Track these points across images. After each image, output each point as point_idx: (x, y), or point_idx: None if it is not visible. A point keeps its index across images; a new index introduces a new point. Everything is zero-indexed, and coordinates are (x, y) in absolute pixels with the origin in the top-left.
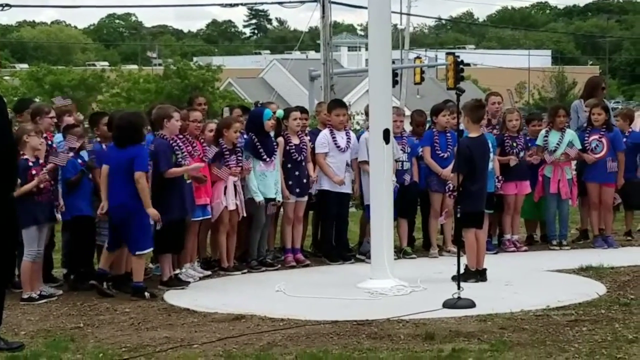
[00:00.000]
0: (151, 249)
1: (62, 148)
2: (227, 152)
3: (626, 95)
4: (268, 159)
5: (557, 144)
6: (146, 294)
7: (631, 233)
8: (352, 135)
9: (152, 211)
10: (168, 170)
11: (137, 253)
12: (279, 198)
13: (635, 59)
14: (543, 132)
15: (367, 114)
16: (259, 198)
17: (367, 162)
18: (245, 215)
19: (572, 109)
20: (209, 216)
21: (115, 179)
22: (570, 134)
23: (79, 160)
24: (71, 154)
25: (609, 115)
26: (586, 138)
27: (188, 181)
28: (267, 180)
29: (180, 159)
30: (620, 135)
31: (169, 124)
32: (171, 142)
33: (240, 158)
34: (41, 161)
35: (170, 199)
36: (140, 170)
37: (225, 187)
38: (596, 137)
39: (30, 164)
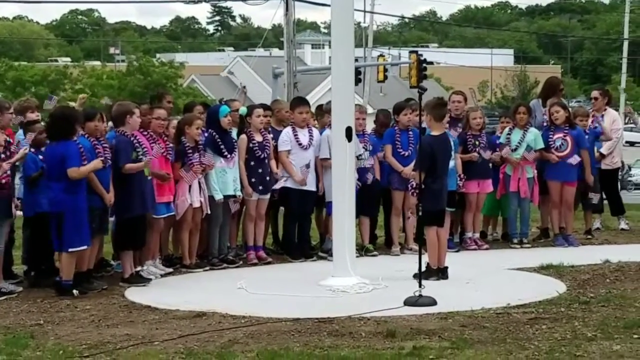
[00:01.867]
0: (84, 247)
1: (24, 144)
2: (190, 150)
3: (587, 95)
4: (229, 156)
5: (519, 142)
6: (74, 292)
7: (591, 232)
8: (315, 132)
9: (107, 196)
10: (125, 166)
11: (70, 250)
12: (239, 194)
13: (597, 59)
14: (507, 129)
15: (329, 111)
16: (219, 196)
17: (328, 159)
18: (209, 212)
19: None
20: (173, 213)
21: (49, 175)
22: (533, 133)
23: (40, 157)
24: (29, 148)
25: (569, 113)
26: (550, 136)
27: (149, 178)
28: (227, 177)
29: (141, 156)
30: (583, 133)
31: (131, 120)
32: (132, 138)
33: (202, 155)
34: (2, 156)
35: (131, 195)
36: (71, 167)
37: (190, 185)
38: (560, 135)
39: None
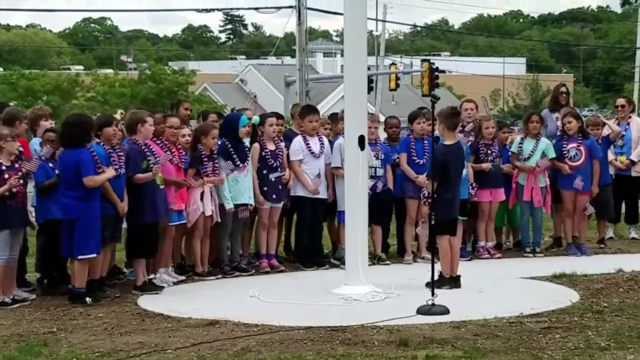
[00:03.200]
0: (94, 255)
1: (38, 154)
2: (206, 159)
3: (600, 104)
4: (241, 165)
5: (532, 151)
6: (87, 299)
7: (604, 241)
8: (325, 140)
9: (121, 204)
10: (134, 176)
11: (80, 258)
12: (252, 202)
13: (609, 68)
14: (518, 138)
15: (342, 119)
16: (229, 205)
17: (339, 168)
18: (220, 220)
19: None
20: (185, 221)
21: (63, 182)
22: (545, 143)
23: (50, 165)
24: (42, 158)
25: (582, 123)
26: (564, 146)
27: (162, 187)
28: (240, 186)
29: (152, 164)
30: (596, 143)
31: (143, 129)
32: (143, 147)
33: (217, 164)
34: (16, 165)
35: (142, 203)
36: (86, 176)
37: (202, 193)
38: (574, 145)
39: (4, 167)
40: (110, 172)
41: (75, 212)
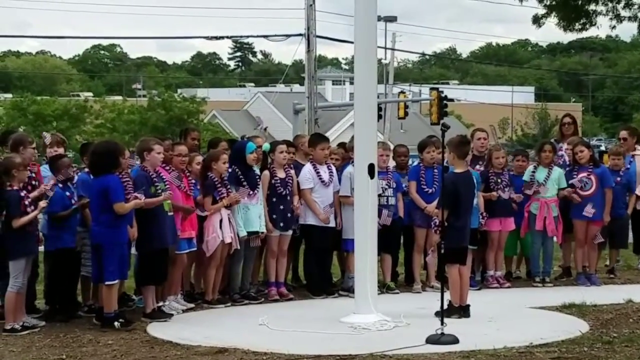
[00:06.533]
0: (119, 280)
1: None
2: (219, 184)
3: (609, 133)
4: (251, 192)
5: (544, 180)
6: (116, 323)
7: (614, 271)
8: (333, 168)
9: (131, 230)
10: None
11: (107, 283)
12: (263, 230)
13: (618, 97)
14: (531, 167)
15: (351, 149)
16: (243, 233)
17: (348, 197)
18: (238, 247)
19: None
20: (194, 249)
21: (91, 208)
22: (558, 172)
23: (67, 193)
24: (58, 183)
25: (593, 152)
26: (575, 176)
27: (170, 213)
28: (250, 214)
29: (160, 191)
30: (608, 172)
31: (149, 157)
32: (152, 174)
33: (230, 190)
34: (24, 192)
35: (150, 229)
36: (116, 202)
37: (220, 221)
38: (584, 174)
39: (22, 194)
40: (140, 199)
41: (101, 237)
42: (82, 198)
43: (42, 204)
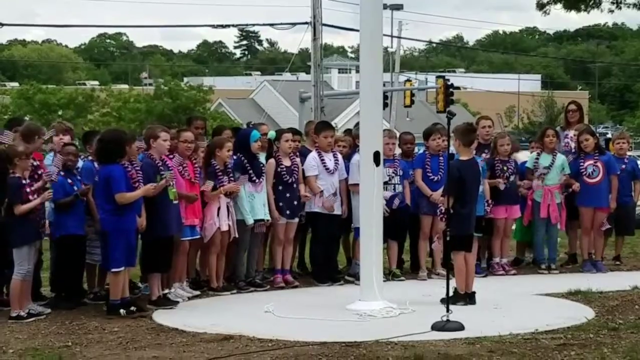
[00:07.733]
0: (125, 267)
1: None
2: (220, 173)
3: (615, 121)
4: (257, 180)
5: (549, 166)
6: (121, 311)
7: (620, 258)
8: (339, 156)
9: (139, 219)
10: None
11: (113, 270)
12: (268, 218)
13: (625, 85)
14: (534, 154)
15: (357, 136)
16: (250, 221)
17: (357, 185)
18: (237, 236)
19: None
20: (198, 236)
21: (97, 195)
22: (562, 159)
23: (69, 180)
24: (60, 171)
25: (598, 139)
26: (581, 164)
27: (175, 202)
28: (255, 202)
29: (164, 176)
30: (613, 159)
31: (156, 144)
32: (158, 162)
33: (232, 178)
34: (29, 181)
35: (154, 217)
36: (117, 192)
37: (219, 208)
38: (591, 162)
39: (24, 181)
40: (146, 189)
41: (107, 225)
42: (85, 185)
43: (47, 194)
